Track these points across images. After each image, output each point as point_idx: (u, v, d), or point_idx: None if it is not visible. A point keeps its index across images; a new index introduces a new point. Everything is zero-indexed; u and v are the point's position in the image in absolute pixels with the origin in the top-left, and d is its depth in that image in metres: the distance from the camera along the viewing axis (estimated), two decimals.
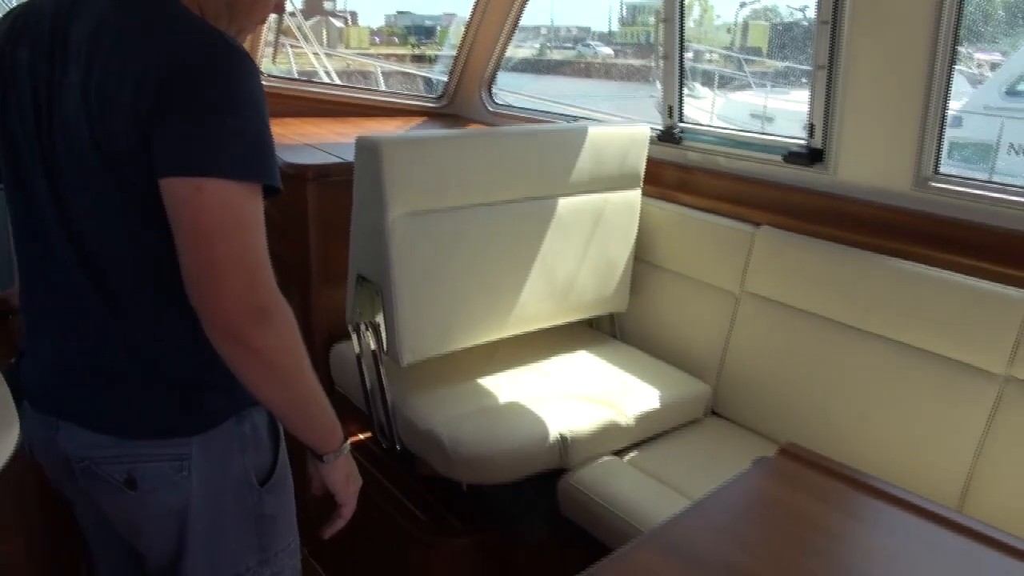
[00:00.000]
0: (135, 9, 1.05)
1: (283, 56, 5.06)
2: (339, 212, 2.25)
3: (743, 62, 9.30)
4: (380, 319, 1.94)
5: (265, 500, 1.25)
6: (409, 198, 1.87)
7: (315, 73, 4.95)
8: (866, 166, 1.95)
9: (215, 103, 1.00)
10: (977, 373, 1.70)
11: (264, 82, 3.58)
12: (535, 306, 2.16)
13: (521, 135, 2.13)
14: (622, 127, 2.28)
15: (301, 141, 2.67)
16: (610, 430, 1.98)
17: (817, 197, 2.05)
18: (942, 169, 1.87)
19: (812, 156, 2.04)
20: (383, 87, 5.05)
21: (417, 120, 3.22)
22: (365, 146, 1.86)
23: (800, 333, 2.01)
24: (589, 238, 2.23)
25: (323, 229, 2.25)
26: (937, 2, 1.71)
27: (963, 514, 1.31)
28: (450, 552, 2.05)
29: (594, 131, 2.17)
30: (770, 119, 7.02)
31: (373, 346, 1.98)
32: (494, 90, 3.20)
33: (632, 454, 2.00)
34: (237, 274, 1.01)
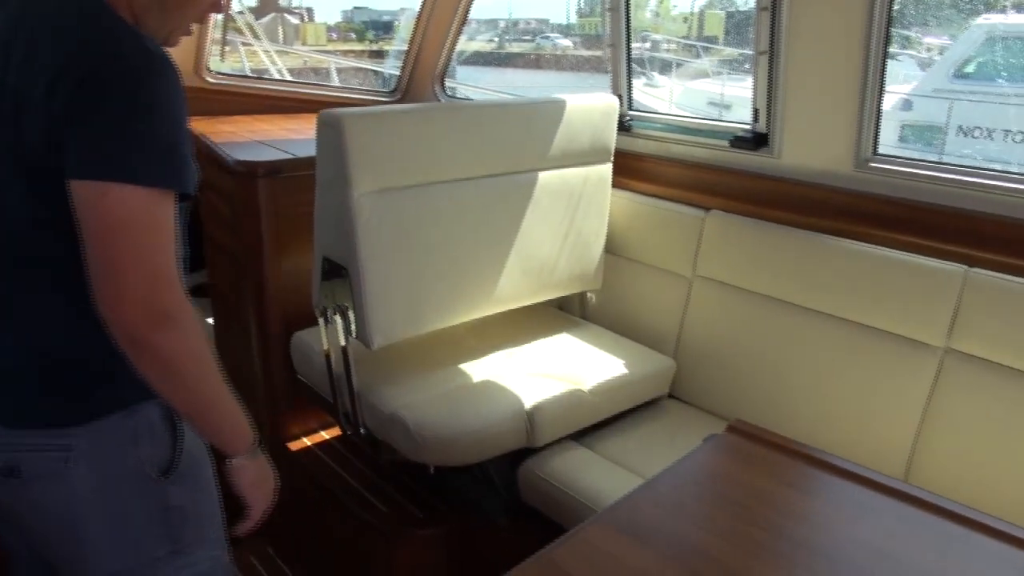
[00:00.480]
0: (52, 7, 1.06)
1: (236, 55, 4.99)
2: (292, 207, 2.25)
3: (700, 50, 9.40)
4: (348, 302, 1.90)
5: (170, 491, 1.24)
6: (375, 175, 1.82)
7: (267, 71, 4.89)
8: (809, 149, 2.00)
9: (126, 107, 1.01)
10: (918, 346, 1.75)
11: (212, 80, 3.55)
12: (509, 285, 2.13)
13: (489, 108, 2.09)
14: (591, 99, 2.22)
15: (252, 138, 2.64)
16: (577, 407, 1.97)
17: (763, 181, 2.09)
18: (890, 151, 1.92)
19: (757, 141, 2.08)
20: (337, 83, 5.00)
21: None
22: (327, 122, 1.80)
23: (750, 314, 2.06)
24: (562, 214, 2.20)
25: (276, 224, 2.24)
26: None
27: (909, 483, 1.36)
28: (412, 542, 2.06)
29: (563, 104, 2.13)
30: (727, 106, 7.10)
31: (341, 331, 1.95)
32: (448, 83, 3.20)
33: (591, 438, 2.02)
34: (139, 277, 1.03)
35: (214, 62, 3.50)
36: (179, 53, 3.62)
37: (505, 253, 2.09)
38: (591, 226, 2.28)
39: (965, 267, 1.69)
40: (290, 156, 2.29)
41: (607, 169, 2.27)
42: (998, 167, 1.78)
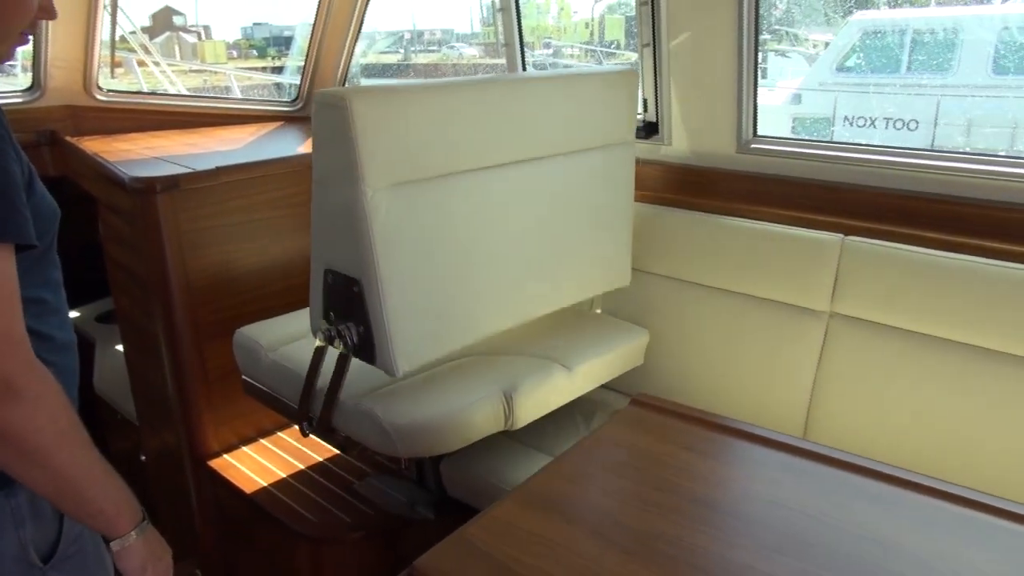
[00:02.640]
0: None
1: (132, 76, 4.85)
2: (193, 222, 2.22)
3: (601, 55, 9.63)
4: (360, 323, 1.62)
5: None
6: (390, 166, 1.51)
7: (166, 91, 4.77)
8: (695, 135, 2.11)
9: None
10: (806, 313, 1.87)
11: (103, 97, 3.47)
12: (538, 289, 1.88)
13: (510, 84, 1.74)
14: (611, 70, 1.94)
15: (149, 155, 2.59)
16: (556, 385, 1.87)
17: (658, 167, 2.19)
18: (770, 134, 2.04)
19: (648, 129, 2.18)
20: (238, 96, 4.92)
21: (274, 125, 3.18)
22: (328, 101, 1.46)
23: (654, 294, 2.14)
24: (588, 203, 1.94)
25: (178, 239, 2.20)
26: None
27: (807, 440, 1.45)
28: (342, 547, 2.05)
29: (585, 77, 1.89)
30: None
31: (348, 353, 1.68)
32: None
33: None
34: None
35: (105, 80, 3.40)
36: (67, 72, 3.55)
37: (533, 252, 1.84)
38: (617, 213, 2.03)
39: (842, 236, 1.82)
40: (189, 170, 2.25)
41: (630, 149, 2.02)
42: (867, 143, 1.92)
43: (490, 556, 1.06)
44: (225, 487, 2.28)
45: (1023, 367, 1.58)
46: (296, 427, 2.00)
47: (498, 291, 1.78)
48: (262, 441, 2.46)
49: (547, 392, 1.83)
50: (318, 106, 1.49)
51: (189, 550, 2.48)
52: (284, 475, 2.27)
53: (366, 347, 1.61)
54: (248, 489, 2.20)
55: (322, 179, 1.57)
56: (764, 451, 1.32)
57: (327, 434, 1.82)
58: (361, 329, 1.61)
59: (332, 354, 1.73)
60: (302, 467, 2.31)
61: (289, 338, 1.99)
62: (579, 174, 1.90)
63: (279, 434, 2.50)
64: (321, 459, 2.34)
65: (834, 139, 6.68)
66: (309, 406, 1.81)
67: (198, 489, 2.38)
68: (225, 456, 2.37)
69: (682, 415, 1.42)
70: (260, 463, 2.34)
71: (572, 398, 1.90)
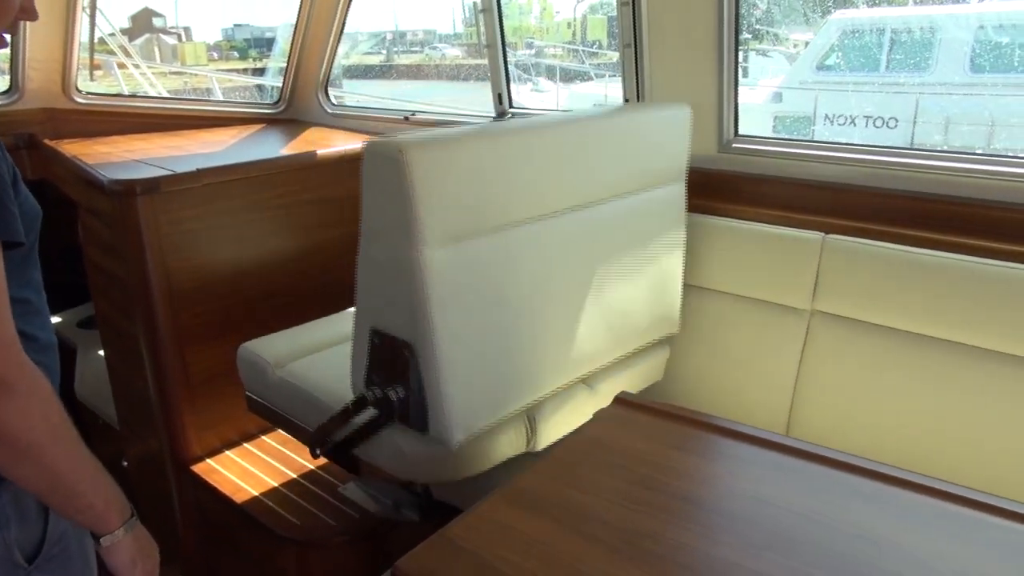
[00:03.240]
0: None
1: (112, 78, 4.80)
2: (174, 225, 2.21)
3: (584, 55, 9.66)
4: (411, 389, 1.52)
5: None
6: (447, 221, 1.40)
7: (145, 94, 4.73)
8: None
9: None
10: (788, 311, 1.88)
11: (83, 100, 3.44)
12: (592, 343, 1.77)
13: (565, 124, 1.64)
14: (662, 108, 1.86)
15: (129, 158, 2.57)
16: (578, 404, 1.80)
17: None
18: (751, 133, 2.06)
19: None
20: (220, 98, 4.88)
21: (256, 127, 3.16)
22: (380, 152, 1.37)
23: None
24: (638, 248, 1.84)
25: (158, 242, 2.19)
26: None
27: (790, 436, 1.46)
28: (327, 551, 2.05)
29: (636, 114, 1.80)
30: None
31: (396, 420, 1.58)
32: (332, 92, 3.20)
33: None
34: None
35: (84, 83, 3.37)
36: (44, 74, 3.52)
37: (586, 304, 1.73)
38: (667, 257, 1.93)
39: (823, 234, 1.83)
40: (170, 172, 2.24)
41: (680, 189, 1.92)
42: (847, 141, 1.94)
43: (474, 555, 1.06)
44: (208, 492, 2.26)
45: (1003, 362, 1.60)
46: (282, 432, 2.00)
47: (556, 348, 1.69)
48: (245, 445, 2.45)
49: (570, 411, 1.77)
50: (369, 155, 1.40)
51: (172, 555, 2.46)
52: (268, 479, 2.26)
53: (417, 414, 1.52)
54: (231, 494, 2.19)
55: (372, 233, 1.46)
56: (749, 448, 1.32)
57: (341, 459, 1.77)
58: (411, 395, 1.51)
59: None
60: (286, 471, 2.30)
61: (297, 354, 1.93)
62: (633, 218, 1.81)
63: (263, 438, 2.49)
64: (305, 463, 2.33)
65: (815, 137, 6.74)
66: (327, 437, 1.74)
67: (181, 494, 2.36)
68: (208, 461, 2.36)
69: (665, 413, 1.43)
70: (243, 467, 2.33)
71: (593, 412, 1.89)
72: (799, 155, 1.93)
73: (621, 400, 1.47)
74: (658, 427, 1.39)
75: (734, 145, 2.02)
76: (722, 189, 2.04)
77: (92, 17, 3.19)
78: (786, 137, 2.00)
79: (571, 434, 1.39)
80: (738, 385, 1.96)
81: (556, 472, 1.27)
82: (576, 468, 1.29)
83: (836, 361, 1.81)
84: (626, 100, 2.18)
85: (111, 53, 4.66)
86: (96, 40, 3.57)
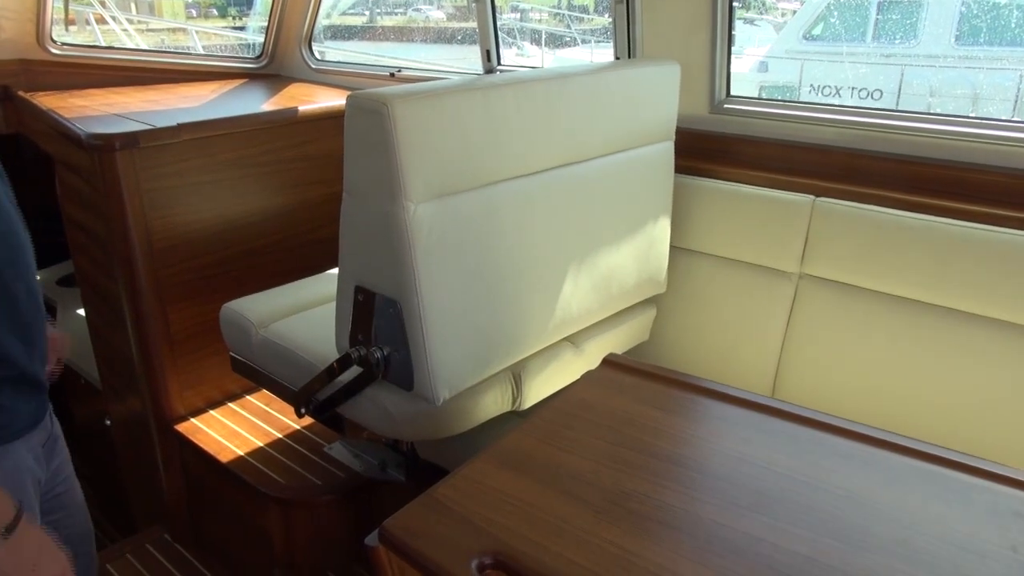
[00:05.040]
0: None
1: (89, 31, 4.67)
2: (154, 180, 2.16)
3: (570, 20, 9.53)
4: (396, 347, 1.50)
5: None
6: (433, 177, 1.38)
7: (123, 47, 4.61)
8: None
9: None
10: (776, 274, 1.88)
11: (58, 51, 3.34)
12: (578, 303, 1.76)
13: (554, 79, 1.60)
14: (651, 64, 1.82)
15: (107, 111, 2.51)
16: (564, 363, 1.80)
17: None
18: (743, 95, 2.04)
19: None
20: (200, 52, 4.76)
21: (238, 82, 3.09)
22: (362, 106, 1.33)
23: None
24: (625, 208, 1.82)
25: (139, 198, 2.14)
26: None
27: (775, 398, 1.46)
28: (312, 510, 2.05)
29: (625, 71, 1.76)
30: None
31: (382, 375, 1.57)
32: (316, 48, 3.13)
33: None
34: None
35: (59, 34, 3.27)
36: (18, 24, 3.41)
37: (573, 264, 1.73)
38: (654, 218, 1.92)
39: (813, 197, 1.83)
40: (150, 127, 2.18)
41: (669, 148, 1.91)
42: (839, 104, 1.92)
43: (460, 516, 1.06)
44: (192, 451, 2.25)
45: (990, 327, 1.62)
46: (267, 392, 1.98)
47: (542, 306, 1.68)
48: (230, 405, 2.43)
49: (555, 371, 1.77)
50: (352, 110, 1.36)
51: (157, 515, 2.46)
52: (253, 439, 2.25)
53: (401, 372, 1.51)
54: (216, 453, 2.18)
55: (355, 190, 1.43)
56: (734, 410, 1.33)
57: (326, 418, 1.76)
58: (396, 353, 1.50)
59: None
60: (271, 430, 2.29)
61: (279, 314, 1.91)
62: (621, 176, 1.79)
63: (247, 397, 2.47)
64: (291, 423, 2.32)
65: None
66: (312, 396, 1.74)
67: (165, 454, 2.35)
68: (192, 420, 2.34)
69: (652, 375, 1.43)
70: (228, 427, 2.31)
71: (580, 376, 1.89)
72: (790, 116, 1.92)
73: (608, 361, 1.47)
74: (645, 388, 1.39)
75: (725, 106, 2.00)
76: (712, 151, 2.02)
77: None
78: (778, 99, 1.98)
79: (557, 395, 1.38)
80: (725, 347, 1.96)
81: (542, 433, 1.26)
82: (562, 429, 1.29)
83: (823, 325, 1.82)
84: (617, 59, 2.15)
85: (88, 5, 4.53)
86: None
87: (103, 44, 4.40)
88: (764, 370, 1.90)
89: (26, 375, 1.27)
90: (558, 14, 10.08)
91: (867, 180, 1.78)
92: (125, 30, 4.74)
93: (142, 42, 4.77)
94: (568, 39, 9.10)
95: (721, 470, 1.15)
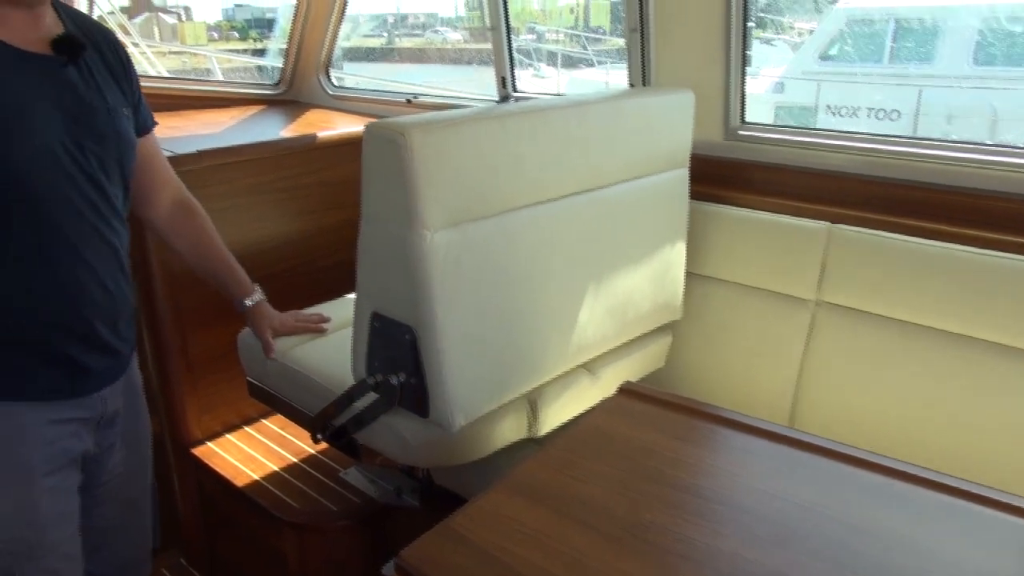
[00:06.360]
0: None
1: None
2: None
3: (586, 41, 9.59)
4: (412, 374, 1.50)
5: None
6: (450, 204, 1.39)
7: (145, 73, 4.69)
8: None
9: None
10: (792, 301, 1.87)
11: None
12: (594, 329, 1.75)
13: (568, 108, 1.62)
14: (665, 93, 1.86)
15: None
16: (580, 390, 1.79)
17: None
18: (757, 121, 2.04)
19: None
20: (220, 79, 4.84)
21: (256, 108, 3.13)
22: (380, 135, 1.35)
23: None
24: (640, 234, 1.83)
25: None
26: None
27: (794, 428, 1.45)
28: (327, 536, 2.05)
29: (639, 99, 1.80)
30: None
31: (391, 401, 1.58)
32: (333, 74, 3.17)
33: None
34: None
35: None
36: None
37: (588, 291, 1.73)
38: (669, 244, 1.92)
39: (828, 224, 1.82)
40: (171, 153, 2.21)
41: (683, 175, 1.91)
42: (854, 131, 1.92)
43: (477, 546, 1.05)
44: (209, 475, 2.26)
45: (1009, 356, 1.60)
46: (283, 416, 1.99)
47: (558, 333, 1.68)
48: (246, 429, 2.44)
49: (571, 397, 1.77)
50: (370, 137, 1.38)
51: (173, 539, 2.46)
52: (269, 463, 2.26)
53: (417, 399, 1.51)
54: (232, 477, 2.19)
55: (373, 217, 1.44)
56: (754, 440, 1.32)
57: (342, 444, 1.76)
58: (412, 380, 1.50)
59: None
60: (287, 455, 2.30)
61: (296, 339, 1.93)
62: (636, 203, 1.79)
63: (263, 421, 2.48)
64: (306, 447, 2.33)
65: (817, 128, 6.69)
66: (328, 421, 1.74)
67: (181, 477, 2.36)
68: (208, 444, 2.35)
69: (669, 403, 1.42)
70: (244, 451, 2.32)
71: (596, 402, 1.86)
72: (806, 143, 1.92)
73: (625, 390, 1.46)
74: (662, 417, 1.38)
75: (740, 132, 2.01)
76: (726, 177, 2.02)
77: None
78: (793, 125, 1.98)
79: (574, 423, 1.38)
80: (741, 374, 1.95)
81: (559, 462, 1.26)
82: (579, 458, 1.28)
83: (841, 353, 1.80)
84: (631, 85, 2.16)
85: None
86: (95, 18, 3.52)
87: None
88: (782, 398, 1.88)
89: (35, 336, 1.34)
90: (574, 35, 10.16)
91: (884, 207, 1.77)
92: (144, 54, 4.81)
93: (163, 68, 4.84)
94: (584, 60, 9.16)
95: (742, 502, 1.14)
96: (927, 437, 1.69)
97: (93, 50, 1.41)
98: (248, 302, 1.84)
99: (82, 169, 1.34)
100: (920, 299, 1.68)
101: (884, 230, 1.75)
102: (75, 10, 1.48)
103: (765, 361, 1.92)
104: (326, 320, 1.95)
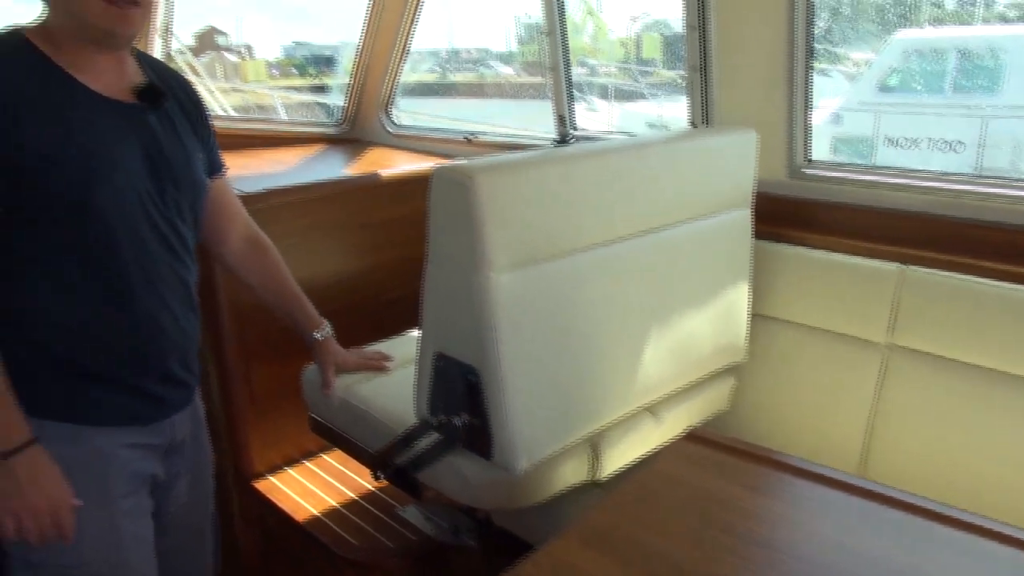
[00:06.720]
0: None
1: None
2: None
3: (638, 74, 9.62)
4: (475, 415, 1.50)
5: None
6: (514, 246, 1.41)
7: (210, 111, 4.86)
8: None
9: None
10: (862, 344, 1.82)
11: None
12: (656, 370, 1.74)
13: (630, 149, 1.65)
14: (728, 133, 1.88)
15: None
16: (643, 433, 1.77)
17: None
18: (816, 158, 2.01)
19: None
20: (284, 118, 4.98)
21: (319, 147, 3.21)
22: (448, 178, 1.38)
23: None
24: (702, 274, 1.82)
25: None
26: (791, 1, 1.84)
27: (864, 478, 1.40)
28: (386, 573, 2.04)
29: (701, 139, 1.83)
30: (666, 126, 7.30)
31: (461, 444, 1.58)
32: (393, 112, 3.24)
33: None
34: None
35: None
36: None
37: (651, 331, 1.72)
38: (732, 284, 1.90)
39: (900, 265, 1.77)
40: (240, 192, 2.28)
41: (746, 215, 1.89)
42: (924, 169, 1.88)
43: None
44: (270, 509, 2.28)
45: None
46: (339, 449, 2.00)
47: (621, 374, 1.67)
48: (306, 463, 2.47)
49: (634, 440, 1.75)
50: (438, 181, 1.40)
51: (232, 570, 2.49)
52: (328, 498, 2.27)
53: (480, 441, 1.51)
54: (293, 512, 2.21)
55: (439, 258, 1.46)
56: (826, 490, 1.28)
57: (403, 482, 1.76)
58: (475, 421, 1.50)
59: None
60: (346, 490, 2.31)
61: (359, 376, 1.95)
62: (699, 243, 1.79)
63: (322, 456, 2.50)
64: (365, 483, 2.34)
65: (877, 160, 6.58)
66: (389, 460, 1.74)
67: (243, 510, 2.39)
68: (269, 478, 2.38)
69: (737, 450, 1.39)
70: (304, 485, 2.34)
71: (659, 444, 1.80)
72: (874, 183, 1.88)
73: (692, 435, 1.44)
74: (730, 464, 1.35)
75: (805, 171, 1.98)
76: (791, 215, 1.99)
77: (167, 35, 3.29)
78: (858, 164, 1.95)
79: (640, 469, 1.35)
80: (809, 419, 1.90)
81: (625, 510, 1.24)
82: (646, 507, 1.26)
83: (915, 399, 1.74)
84: (692, 124, 2.15)
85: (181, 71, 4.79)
86: (169, 56, 3.67)
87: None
88: (852, 445, 1.83)
89: (110, 367, 1.40)
90: (626, 69, 10.21)
91: (959, 248, 1.72)
92: (211, 92, 4.98)
93: (229, 106, 5.01)
94: (637, 93, 9.18)
95: (815, 556, 1.11)
96: (1007, 490, 1.62)
97: (171, 97, 1.48)
98: (317, 335, 1.88)
99: (160, 212, 1.41)
100: (1001, 345, 1.62)
101: (958, 271, 1.69)
102: (154, 59, 1.56)
103: (834, 406, 1.86)
104: (389, 359, 1.97)
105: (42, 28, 1.32)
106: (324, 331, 1.89)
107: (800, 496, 1.27)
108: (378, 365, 1.95)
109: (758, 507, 1.24)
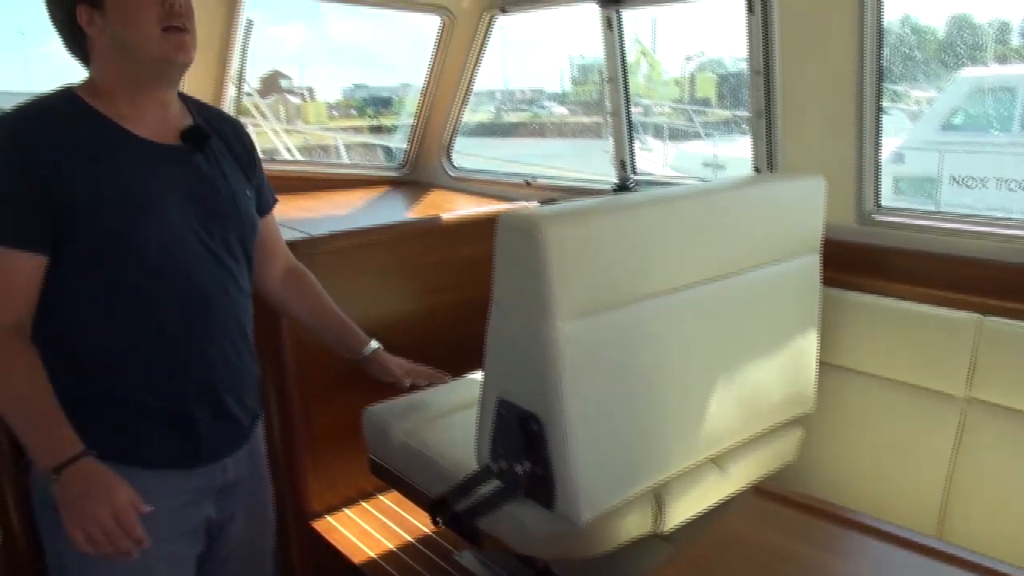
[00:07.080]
0: None
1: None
2: None
3: (692, 114, 9.61)
4: (539, 464, 1.48)
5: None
6: (580, 295, 1.39)
7: (276, 151, 5.01)
8: None
9: None
10: (939, 397, 1.75)
11: None
12: (722, 420, 1.70)
13: (696, 196, 1.65)
14: (794, 179, 1.85)
15: None
16: (708, 485, 1.72)
17: None
18: (887, 203, 1.96)
19: None
20: (345, 159, 5.10)
21: (381, 189, 3.28)
22: (514, 226, 1.37)
23: None
24: (769, 323, 1.78)
25: None
26: (859, 44, 1.82)
27: (942, 540, 1.34)
28: None
29: (767, 186, 1.80)
30: (721, 166, 7.25)
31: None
32: (452, 154, 3.29)
33: None
34: None
35: None
36: None
37: (717, 380, 1.69)
38: (800, 332, 1.85)
39: (979, 315, 1.71)
40: (305, 235, 2.33)
41: (814, 261, 1.84)
42: (1002, 215, 1.81)
43: None
44: (327, 550, 2.29)
45: None
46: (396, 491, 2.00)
47: (686, 424, 1.64)
48: (363, 504, 2.47)
49: (699, 492, 1.71)
50: (504, 229, 1.40)
51: None
52: (385, 541, 2.27)
53: (542, 490, 1.48)
54: (351, 555, 2.20)
55: (504, 305, 1.46)
56: (898, 551, 1.22)
57: (461, 528, 1.74)
58: (537, 469, 1.48)
59: None
60: (403, 533, 2.30)
61: (421, 419, 1.95)
62: (765, 290, 1.75)
63: (380, 497, 2.50)
64: (421, 526, 2.33)
65: (943, 201, 6.40)
66: (448, 505, 1.72)
67: (301, 550, 2.40)
68: (327, 518, 2.39)
69: (806, 507, 1.34)
70: (360, 527, 2.35)
71: (724, 496, 1.76)
72: (949, 230, 1.82)
73: (759, 490, 1.40)
74: (799, 522, 1.31)
75: (875, 217, 1.93)
76: (861, 263, 1.94)
77: (240, 83, 3.41)
78: (932, 210, 1.89)
79: (705, 521, 1.33)
80: (881, 474, 1.83)
81: (693, 568, 1.20)
82: (713, 564, 1.23)
83: (996, 455, 1.66)
84: (756, 169, 2.13)
85: (247, 113, 4.96)
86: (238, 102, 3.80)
87: (260, 153, 4.80)
88: (928, 504, 1.75)
89: (160, 405, 1.43)
90: (680, 108, 10.20)
91: None
92: (276, 132, 5.14)
93: (295, 148, 5.16)
94: (691, 132, 9.16)
95: None
96: None
97: (218, 138, 1.53)
98: (366, 351, 1.89)
99: (208, 249, 1.45)
100: None
101: None
102: (201, 102, 1.61)
103: (908, 461, 1.79)
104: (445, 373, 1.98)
105: (90, 85, 1.41)
106: (372, 345, 1.90)
107: (870, 556, 1.23)
108: (438, 376, 1.96)
109: (824, 565, 1.20)
